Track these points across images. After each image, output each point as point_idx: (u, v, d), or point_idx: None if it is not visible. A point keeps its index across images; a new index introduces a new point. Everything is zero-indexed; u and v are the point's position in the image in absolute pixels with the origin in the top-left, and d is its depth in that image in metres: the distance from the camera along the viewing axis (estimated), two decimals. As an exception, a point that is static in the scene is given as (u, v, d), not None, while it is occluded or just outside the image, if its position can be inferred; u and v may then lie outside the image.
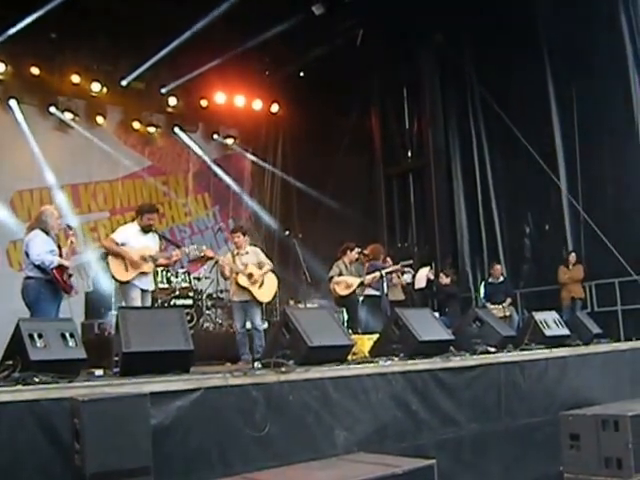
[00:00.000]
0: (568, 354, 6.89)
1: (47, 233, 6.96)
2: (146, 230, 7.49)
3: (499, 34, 12.09)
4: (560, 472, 5.64)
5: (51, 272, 6.75)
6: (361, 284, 9.59)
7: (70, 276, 7.05)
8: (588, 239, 11.38)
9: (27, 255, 6.83)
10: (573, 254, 11.23)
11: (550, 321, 7.35)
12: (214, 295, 11.92)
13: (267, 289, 8.48)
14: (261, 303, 8.53)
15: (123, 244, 7.28)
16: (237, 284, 8.29)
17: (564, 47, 11.68)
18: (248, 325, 8.49)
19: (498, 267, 11.62)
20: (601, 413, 5.51)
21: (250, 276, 8.27)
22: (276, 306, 11.35)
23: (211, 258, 10.59)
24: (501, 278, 11.53)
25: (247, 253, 8.53)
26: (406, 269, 10.74)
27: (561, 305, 10.89)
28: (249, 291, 8.26)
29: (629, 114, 11.00)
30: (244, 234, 8.75)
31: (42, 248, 6.78)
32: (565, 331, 7.48)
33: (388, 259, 10.85)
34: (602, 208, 11.28)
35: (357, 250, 9.84)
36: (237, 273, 8.25)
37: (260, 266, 8.45)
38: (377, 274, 9.56)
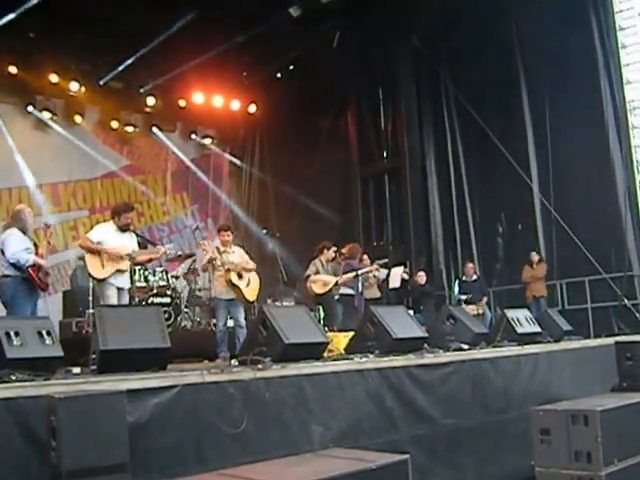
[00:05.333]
0: (539, 351, 6.98)
1: (24, 232, 6.96)
2: (123, 229, 7.49)
3: (474, 37, 12.24)
4: (531, 466, 5.74)
5: (26, 270, 6.76)
6: (337, 283, 9.68)
7: (47, 274, 7.05)
8: (559, 239, 11.58)
9: (3, 253, 6.82)
10: (534, 253, 11.41)
11: (522, 318, 7.45)
12: (192, 293, 11.93)
13: (253, 288, 8.49)
14: (247, 302, 8.52)
15: (99, 243, 7.26)
16: (227, 281, 8.21)
17: (537, 51, 11.86)
18: (229, 323, 8.49)
19: (470, 266, 11.78)
20: (571, 408, 5.57)
21: (240, 275, 8.27)
22: (253, 304, 11.39)
23: (191, 256, 10.63)
24: (474, 276, 11.66)
25: (233, 252, 8.51)
26: (381, 269, 10.82)
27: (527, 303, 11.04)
28: (238, 289, 8.22)
29: (599, 117, 11.21)
30: (232, 233, 8.74)
31: (18, 247, 6.78)
32: (536, 328, 7.57)
33: (365, 257, 10.94)
34: (573, 208, 11.47)
35: (334, 249, 9.93)
36: (228, 270, 8.20)
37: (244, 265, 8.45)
38: (352, 274, 9.66)
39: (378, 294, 10.92)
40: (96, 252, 7.19)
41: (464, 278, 11.81)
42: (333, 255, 9.93)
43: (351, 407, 5.06)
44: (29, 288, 6.84)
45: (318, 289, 9.61)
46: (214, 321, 11.11)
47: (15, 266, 6.75)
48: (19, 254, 6.73)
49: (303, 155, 14.68)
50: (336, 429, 4.91)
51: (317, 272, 9.70)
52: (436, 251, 13.49)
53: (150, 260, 8.33)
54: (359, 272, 9.68)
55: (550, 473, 5.47)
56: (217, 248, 8.50)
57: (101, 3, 11.62)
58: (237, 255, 8.53)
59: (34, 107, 13.56)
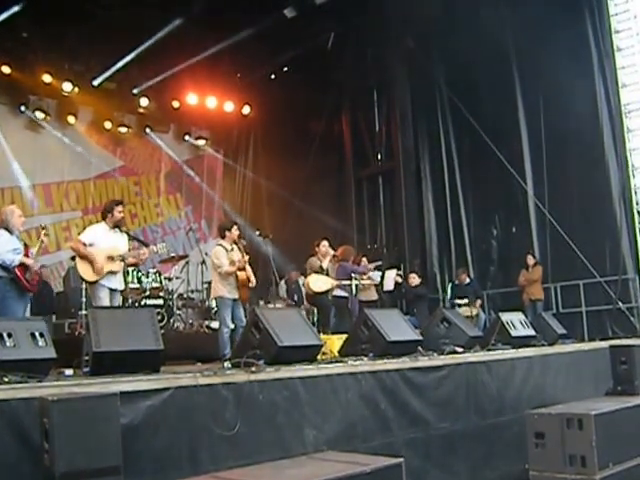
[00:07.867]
0: (534, 354, 7.00)
1: (10, 232, 6.91)
2: (117, 226, 7.38)
3: (468, 39, 12.21)
4: (526, 470, 5.73)
5: (12, 270, 6.71)
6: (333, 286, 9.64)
7: (36, 275, 7.00)
8: (554, 241, 11.55)
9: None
10: (530, 256, 11.39)
11: (516, 322, 7.46)
12: (185, 295, 11.89)
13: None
14: (244, 301, 8.29)
15: (91, 244, 7.16)
16: (244, 280, 7.95)
17: (532, 53, 11.85)
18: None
19: (463, 275, 11.78)
20: (566, 412, 5.58)
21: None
22: (245, 306, 11.35)
23: (184, 257, 10.45)
24: (467, 280, 11.65)
25: (232, 249, 8.21)
26: (374, 271, 10.79)
27: (524, 307, 11.02)
28: (246, 288, 8.02)
29: (594, 118, 11.21)
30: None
31: (3, 247, 6.73)
32: (531, 332, 7.60)
33: (364, 260, 10.90)
34: (567, 211, 11.47)
35: (324, 243, 9.85)
36: (244, 269, 7.95)
37: None
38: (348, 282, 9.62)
39: (375, 296, 10.87)
40: (85, 257, 7.12)
41: (457, 282, 11.81)
42: (327, 250, 9.85)
43: (345, 410, 5.05)
44: (20, 289, 6.79)
45: (315, 287, 9.53)
46: (207, 323, 11.12)
47: (3, 267, 6.70)
48: (4, 255, 6.68)
49: (297, 157, 14.67)
50: (330, 432, 4.89)
51: (317, 269, 9.65)
52: (430, 253, 13.46)
53: (137, 264, 8.16)
54: (355, 277, 9.66)
55: (544, 477, 5.47)
56: (225, 248, 8.16)
57: (95, 3, 11.59)
58: (236, 252, 8.22)
59: (27, 107, 13.53)
